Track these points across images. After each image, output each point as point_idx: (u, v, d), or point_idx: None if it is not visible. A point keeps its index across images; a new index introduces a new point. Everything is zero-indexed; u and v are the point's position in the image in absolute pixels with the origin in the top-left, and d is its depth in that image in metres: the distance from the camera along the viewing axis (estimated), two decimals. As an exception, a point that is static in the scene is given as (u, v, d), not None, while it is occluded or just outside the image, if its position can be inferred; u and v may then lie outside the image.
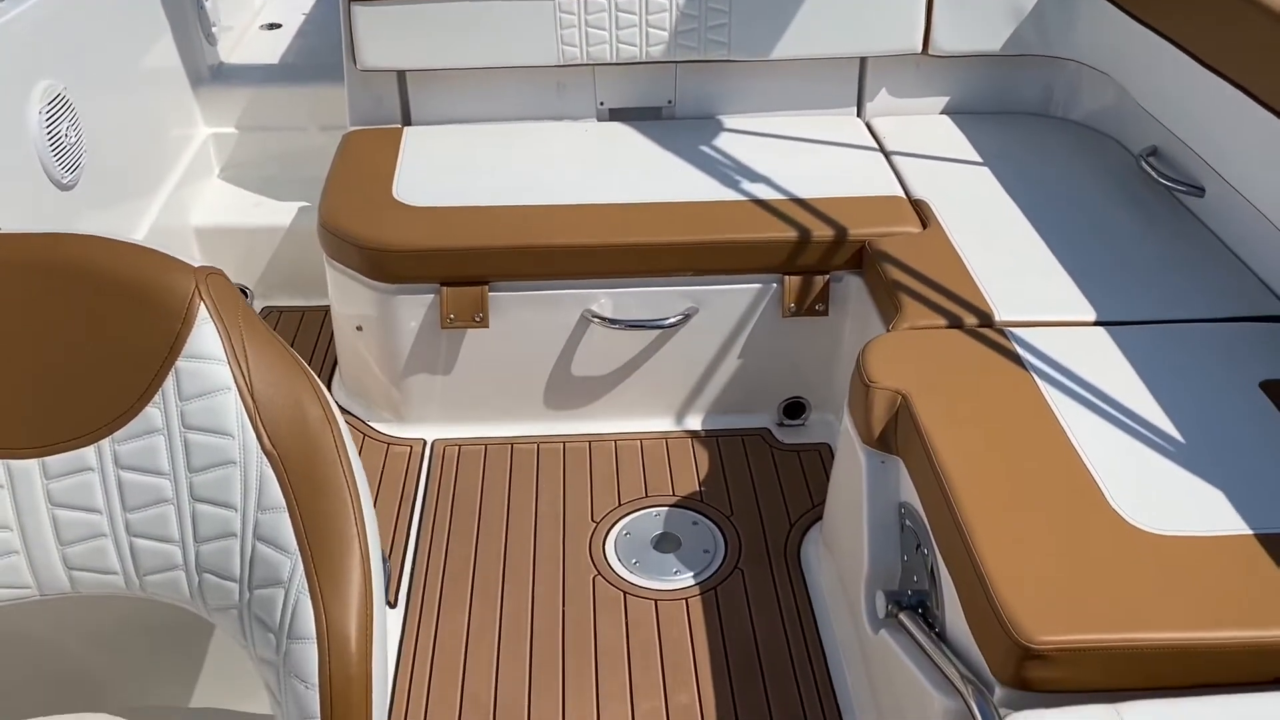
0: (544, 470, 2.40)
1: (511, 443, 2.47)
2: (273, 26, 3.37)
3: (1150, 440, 1.72)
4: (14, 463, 1.12)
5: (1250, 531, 1.55)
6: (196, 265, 1.14)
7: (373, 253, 2.28)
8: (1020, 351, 1.91)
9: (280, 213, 2.87)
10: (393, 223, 2.31)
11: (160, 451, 1.12)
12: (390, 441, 2.47)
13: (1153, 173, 2.41)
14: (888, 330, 2.05)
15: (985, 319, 2.02)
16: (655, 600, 2.10)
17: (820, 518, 2.25)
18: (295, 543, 1.08)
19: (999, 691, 1.45)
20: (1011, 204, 2.38)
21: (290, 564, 1.08)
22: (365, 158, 2.56)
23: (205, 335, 1.11)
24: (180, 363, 1.11)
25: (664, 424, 2.51)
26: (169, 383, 1.11)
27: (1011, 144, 2.64)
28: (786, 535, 2.25)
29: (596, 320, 2.36)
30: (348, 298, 2.41)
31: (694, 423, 2.52)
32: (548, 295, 2.34)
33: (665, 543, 2.23)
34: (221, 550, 1.13)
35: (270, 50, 3.22)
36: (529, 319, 2.36)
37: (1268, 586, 1.46)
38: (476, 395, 2.46)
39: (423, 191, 2.41)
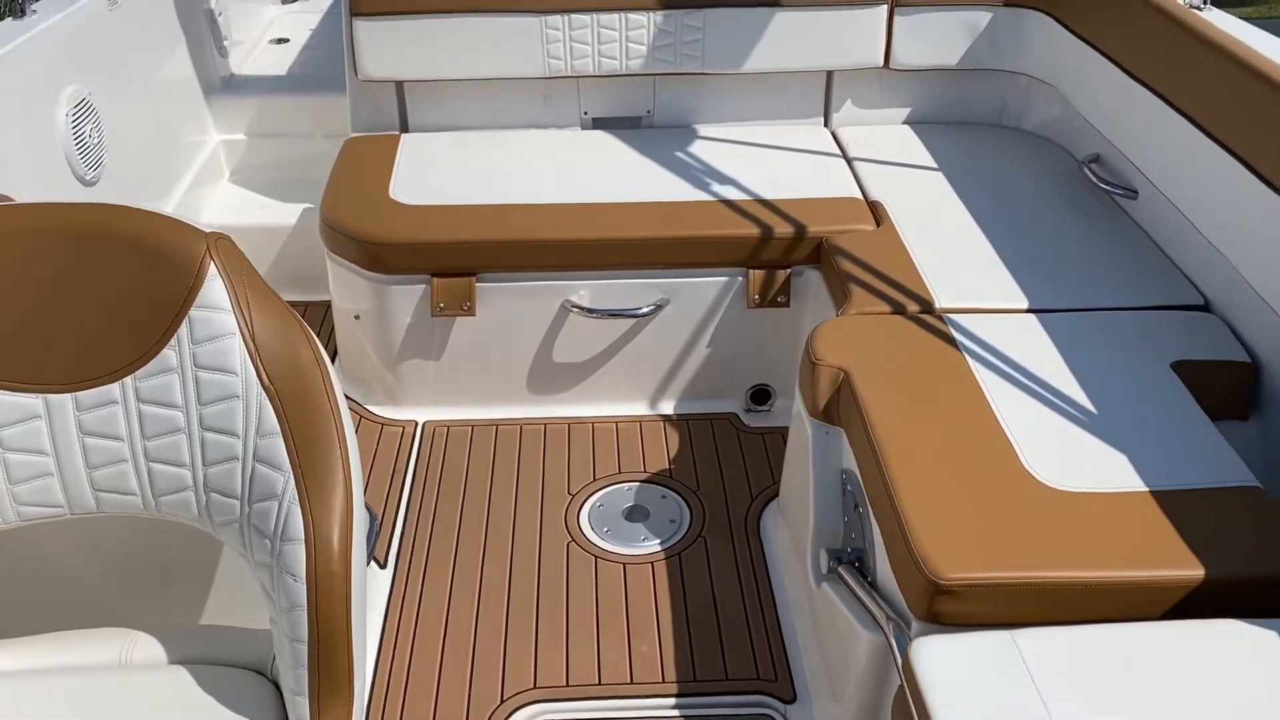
0: (525, 449, 2.59)
1: (496, 424, 2.66)
2: (281, 41, 3.59)
3: (1066, 412, 1.91)
4: (51, 397, 1.32)
5: (1145, 489, 1.73)
6: (207, 230, 1.34)
7: (369, 246, 2.48)
8: (956, 335, 2.10)
9: (285, 214, 3.08)
10: (388, 219, 2.51)
11: (175, 388, 1.31)
12: (384, 423, 2.66)
13: (1093, 177, 2.60)
14: (838, 315, 2.24)
15: (926, 306, 2.21)
16: (624, 564, 2.28)
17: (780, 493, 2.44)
18: (288, 462, 1.27)
19: (915, 626, 1.63)
20: (961, 205, 2.58)
21: (284, 480, 1.27)
22: (364, 161, 2.76)
23: (214, 289, 1.31)
24: (193, 312, 1.30)
25: (638, 408, 2.70)
26: (183, 329, 1.30)
27: (966, 151, 2.83)
28: (747, 508, 2.43)
29: (576, 310, 2.55)
30: (346, 289, 2.61)
31: (666, 407, 2.71)
32: (531, 286, 2.53)
33: (635, 514, 2.41)
34: (226, 472, 1.32)
35: (278, 63, 3.43)
36: (514, 308, 2.55)
37: (1153, 534, 1.64)
38: (464, 379, 2.65)
39: (417, 191, 2.61)
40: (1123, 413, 1.91)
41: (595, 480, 2.50)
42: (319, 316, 3.05)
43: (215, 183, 3.20)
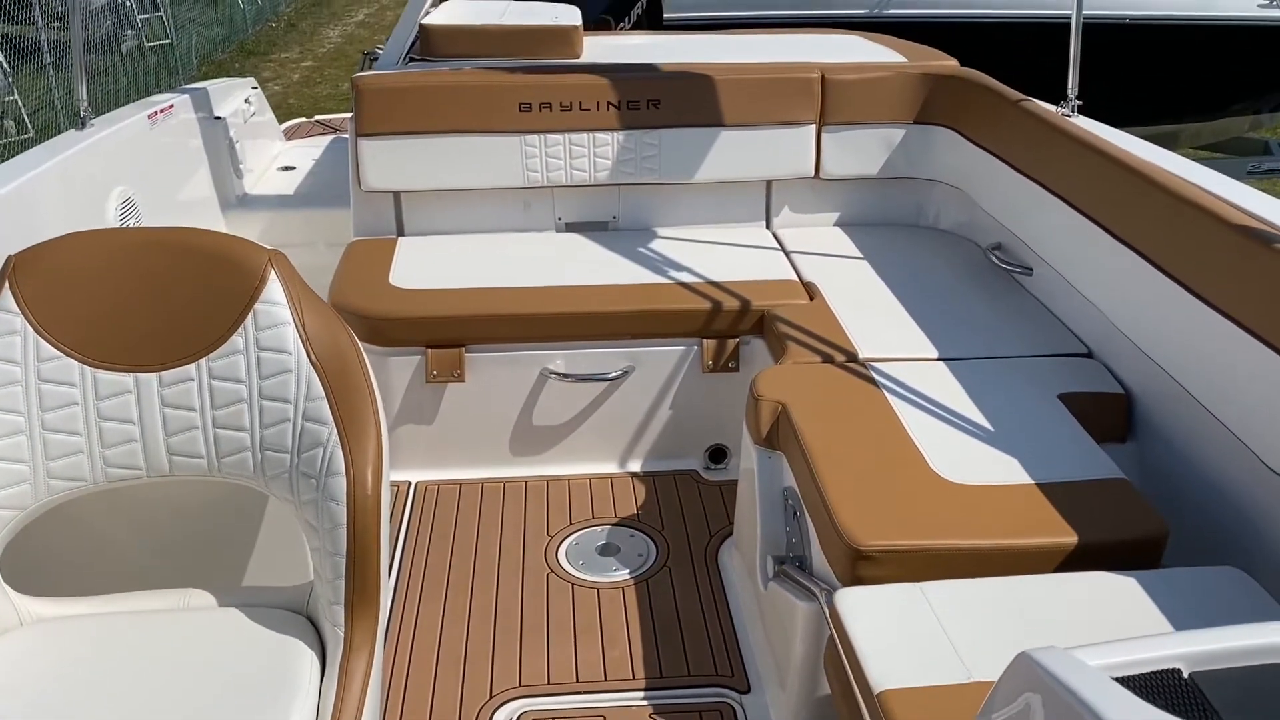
0: (509, 502, 2.90)
1: (482, 482, 2.98)
2: (287, 169, 4.05)
3: (966, 429, 2.27)
4: (140, 375, 1.65)
5: (1031, 481, 2.08)
6: (268, 248, 1.71)
7: (371, 321, 2.85)
8: (876, 377, 2.48)
9: None
10: (388, 299, 2.89)
11: (240, 366, 1.65)
12: None
13: (995, 260, 3.04)
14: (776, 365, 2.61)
15: (851, 356, 2.59)
16: (598, 589, 2.57)
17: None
18: (331, 418, 1.61)
19: (840, 590, 1.94)
20: (882, 284, 3.00)
21: (327, 432, 1.60)
22: (367, 258, 3.16)
23: (274, 289, 1.67)
24: (257, 305, 1.66)
25: (609, 466, 3.03)
26: (249, 319, 1.66)
27: (888, 245, 3.28)
28: (707, 544, 2.74)
29: (554, 376, 2.91)
30: None
31: (634, 465, 3.04)
32: (514, 355, 2.90)
33: (607, 550, 2.71)
34: (279, 432, 1.65)
35: (285, 184, 3.88)
36: (499, 374, 2.91)
37: (1036, 512, 1.99)
38: (454, 442, 2.98)
39: (413, 278, 3.00)
40: (1014, 429, 2.27)
41: (571, 524, 2.81)
42: None
43: None
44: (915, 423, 2.28)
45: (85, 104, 2.80)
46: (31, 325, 1.62)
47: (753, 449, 2.42)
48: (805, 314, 2.81)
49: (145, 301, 1.66)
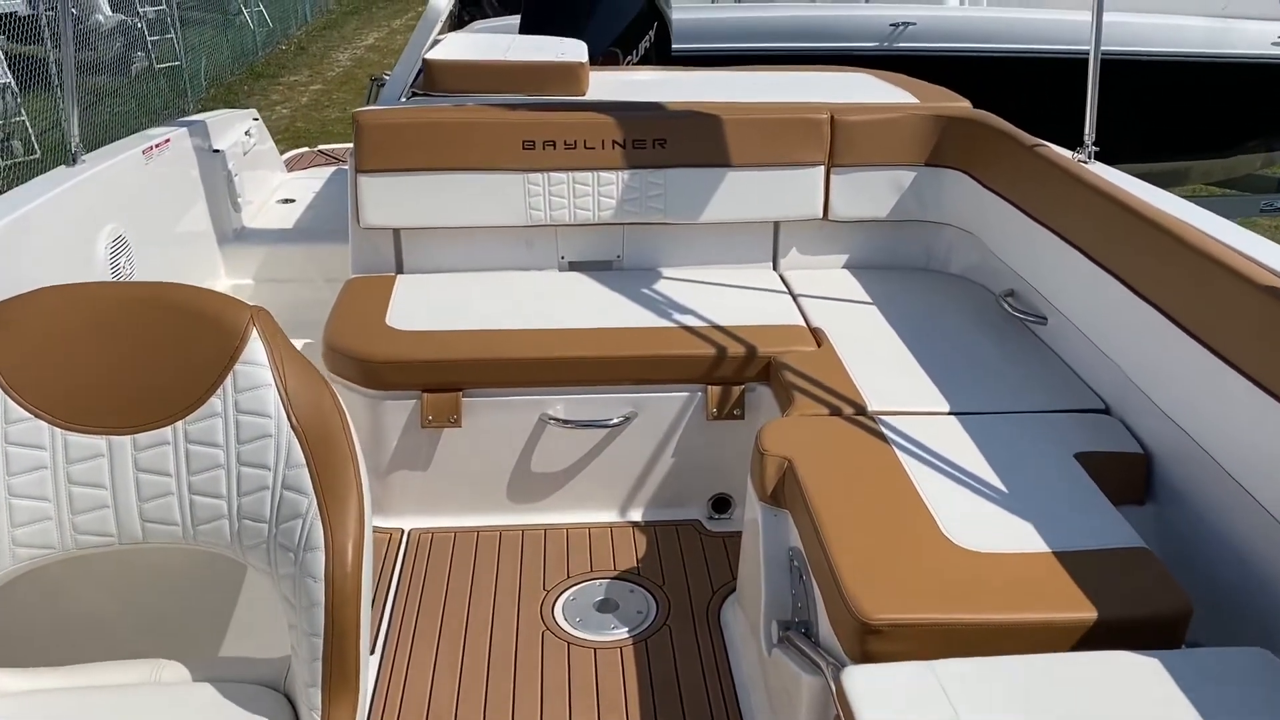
0: (504, 553, 2.81)
1: (478, 531, 2.89)
2: (287, 201, 3.98)
3: (980, 490, 2.18)
4: (114, 438, 1.57)
5: (1048, 549, 1.99)
6: (251, 305, 1.63)
7: (367, 364, 2.77)
8: (885, 432, 2.39)
9: None
10: (384, 341, 2.81)
11: (219, 430, 1.57)
12: (373, 531, 2.88)
13: (1008, 308, 2.96)
14: (783, 417, 2.53)
15: (860, 409, 2.50)
16: (594, 649, 2.48)
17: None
18: (311, 487, 1.52)
19: (849, 666, 1.85)
20: (891, 331, 2.92)
21: (307, 502, 1.52)
22: (364, 297, 3.09)
23: (255, 349, 1.59)
24: (237, 366, 1.58)
25: (609, 515, 2.94)
26: (228, 380, 1.58)
27: (897, 289, 3.20)
28: (709, 600, 2.64)
29: (553, 422, 2.83)
30: (344, 406, 2.88)
31: (635, 514, 2.95)
32: (512, 400, 2.82)
33: (605, 606, 2.62)
34: (257, 500, 1.57)
35: (284, 218, 3.81)
36: (496, 420, 2.83)
37: (1053, 584, 1.89)
38: (449, 488, 2.89)
39: (410, 319, 2.92)
40: (1030, 490, 2.18)
41: (569, 578, 2.71)
42: None
43: None
44: (926, 482, 2.19)
45: (76, 139, 2.74)
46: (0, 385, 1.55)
47: (757, 506, 2.33)
48: (812, 362, 2.73)
49: (120, 361, 1.59)
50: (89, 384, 1.57)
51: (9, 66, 8.89)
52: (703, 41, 6.38)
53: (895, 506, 2.11)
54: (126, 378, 1.58)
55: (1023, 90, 6.39)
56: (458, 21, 9.08)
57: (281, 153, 4.61)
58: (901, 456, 2.29)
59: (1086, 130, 2.83)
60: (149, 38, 11.42)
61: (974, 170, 3.21)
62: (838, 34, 6.55)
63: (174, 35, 11.56)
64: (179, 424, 1.58)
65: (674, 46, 5.30)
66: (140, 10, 11.47)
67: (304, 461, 1.54)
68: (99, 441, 1.57)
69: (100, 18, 11.25)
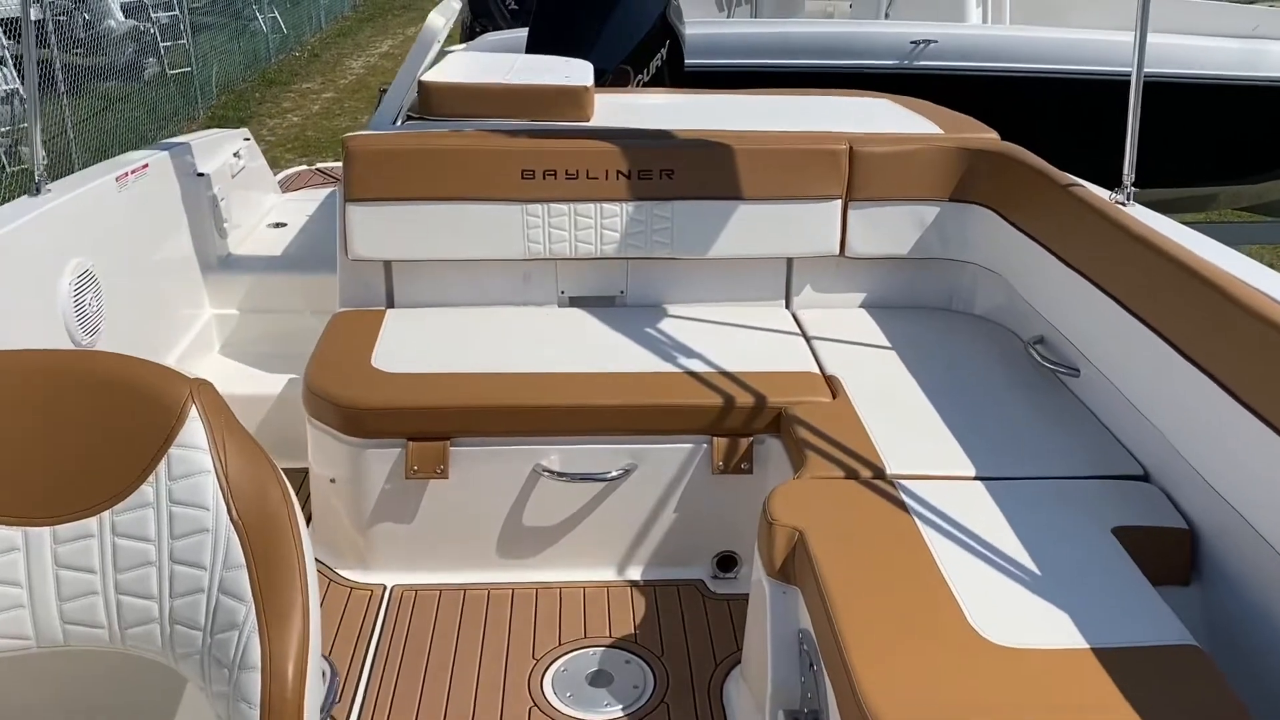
0: (492, 614, 2.62)
1: (465, 588, 2.70)
2: (278, 225, 3.81)
3: (1010, 572, 1.98)
4: (30, 530, 1.39)
5: (1086, 646, 1.79)
6: (191, 376, 1.44)
7: (348, 410, 2.59)
8: (906, 499, 2.19)
9: (270, 384, 3.20)
10: (368, 385, 2.63)
11: (150, 522, 1.39)
12: (353, 586, 2.70)
13: (1037, 356, 2.76)
14: (795, 479, 2.33)
15: (878, 472, 2.31)
16: (586, 729, 2.28)
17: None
18: (250, 593, 1.34)
19: None
20: (912, 380, 2.72)
21: (245, 610, 1.33)
22: (350, 334, 2.91)
23: (194, 429, 1.40)
24: (172, 450, 1.39)
25: (606, 573, 2.75)
26: (162, 466, 1.39)
27: (917, 332, 3.00)
28: (711, 674, 2.45)
29: (547, 473, 2.64)
30: (324, 453, 2.70)
31: (634, 573, 2.75)
32: (503, 450, 2.63)
33: (599, 679, 2.42)
34: (191, 604, 1.38)
35: (273, 244, 3.64)
36: (486, 471, 2.64)
37: (1094, 690, 1.69)
38: (435, 542, 2.70)
39: (397, 360, 2.74)
40: (1065, 574, 1.98)
41: (560, 645, 2.52)
42: (296, 483, 3.13)
43: (206, 354, 3.33)
44: (951, 561, 1.99)
45: (41, 167, 2.56)
46: None
47: (765, 581, 2.13)
48: (827, 415, 2.53)
49: (39, 440, 1.40)
50: (1, 467, 1.39)
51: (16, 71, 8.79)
52: (716, 57, 6.19)
53: (916, 588, 1.91)
54: (45, 461, 1.40)
55: (1048, 113, 6.18)
56: (469, 33, 8.93)
57: (277, 171, 4.45)
58: (923, 528, 2.09)
59: (1125, 169, 2.62)
60: (161, 43, 11.31)
61: (1001, 207, 3.01)
62: (856, 51, 6.35)
63: (186, 40, 11.45)
64: (105, 514, 1.39)
65: (687, 62, 5.12)
66: (153, 16, 11.37)
67: (243, 562, 1.36)
68: (13, 534, 1.39)
69: (112, 23, 11.15)
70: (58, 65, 8.91)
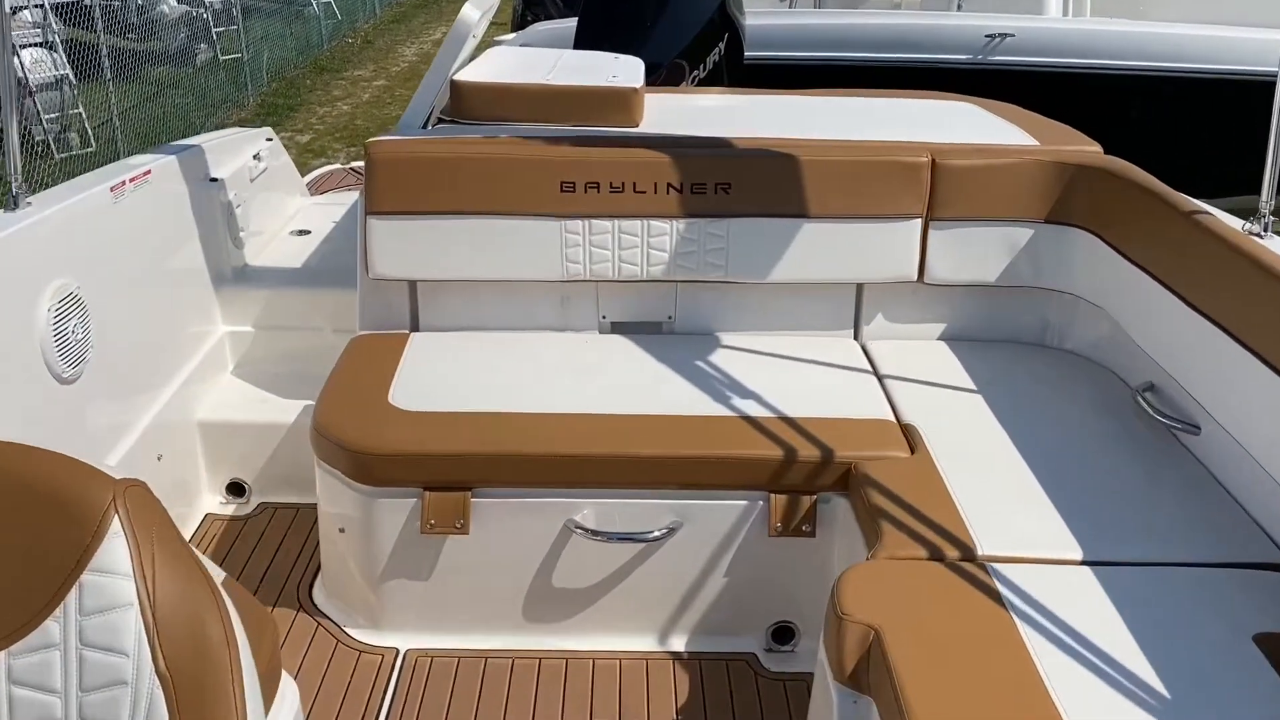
0: (516, 687, 2.32)
1: (486, 656, 2.40)
2: (302, 233, 3.53)
3: (1126, 688, 1.63)
4: None
5: None
6: (119, 478, 1.15)
7: (357, 456, 2.30)
8: (1001, 589, 1.84)
9: (284, 410, 2.92)
10: (380, 427, 2.33)
11: (55, 668, 1.09)
12: (362, 650, 2.41)
13: (1148, 408, 2.38)
14: (869, 558, 1.99)
15: (967, 553, 1.96)
16: (616, 839, 1.97)
17: (800, 756, 2.13)
18: None
19: None
20: (1003, 432, 2.36)
21: None
22: (367, 362, 2.61)
23: (114, 549, 1.10)
24: (85, 576, 1.10)
25: (645, 643, 2.43)
26: (71, 596, 1.09)
27: (1006, 372, 2.64)
28: (763, 773, 2.12)
29: (579, 531, 2.33)
30: (333, 499, 2.41)
31: (677, 643, 2.43)
32: (531, 503, 2.32)
33: (634, 774, 2.12)
34: None
35: (295, 255, 3.36)
36: (511, 527, 2.33)
37: None
38: (453, 604, 2.41)
39: (416, 396, 2.44)
40: (1199, 696, 1.62)
41: (591, 729, 2.21)
42: (309, 520, 2.85)
43: (217, 375, 3.07)
44: (1056, 670, 1.65)
45: (19, 180, 2.29)
46: None
47: (832, 687, 1.80)
48: (905, 476, 2.19)
49: None
50: None
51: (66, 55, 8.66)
52: (777, 49, 5.82)
53: (1014, 705, 1.58)
54: None
55: (1133, 113, 5.71)
56: (520, 22, 8.62)
57: (307, 171, 4.17)
58: (1022, 627, 1.75)
59: (1264, 195, 2.23)
60: (214, 29, 11.16)
61: (1105, 232, 2.63)
62: (927, 45, 5.93)
63: (239, 26, 11.29)
64: (0, 655, 1.10)
65: (746, 54, 4.76)
66: (206, 1, 11.23)
67: None
68: None
69: (165, 8, 11.03)
70: (104, 51, 8.77)
